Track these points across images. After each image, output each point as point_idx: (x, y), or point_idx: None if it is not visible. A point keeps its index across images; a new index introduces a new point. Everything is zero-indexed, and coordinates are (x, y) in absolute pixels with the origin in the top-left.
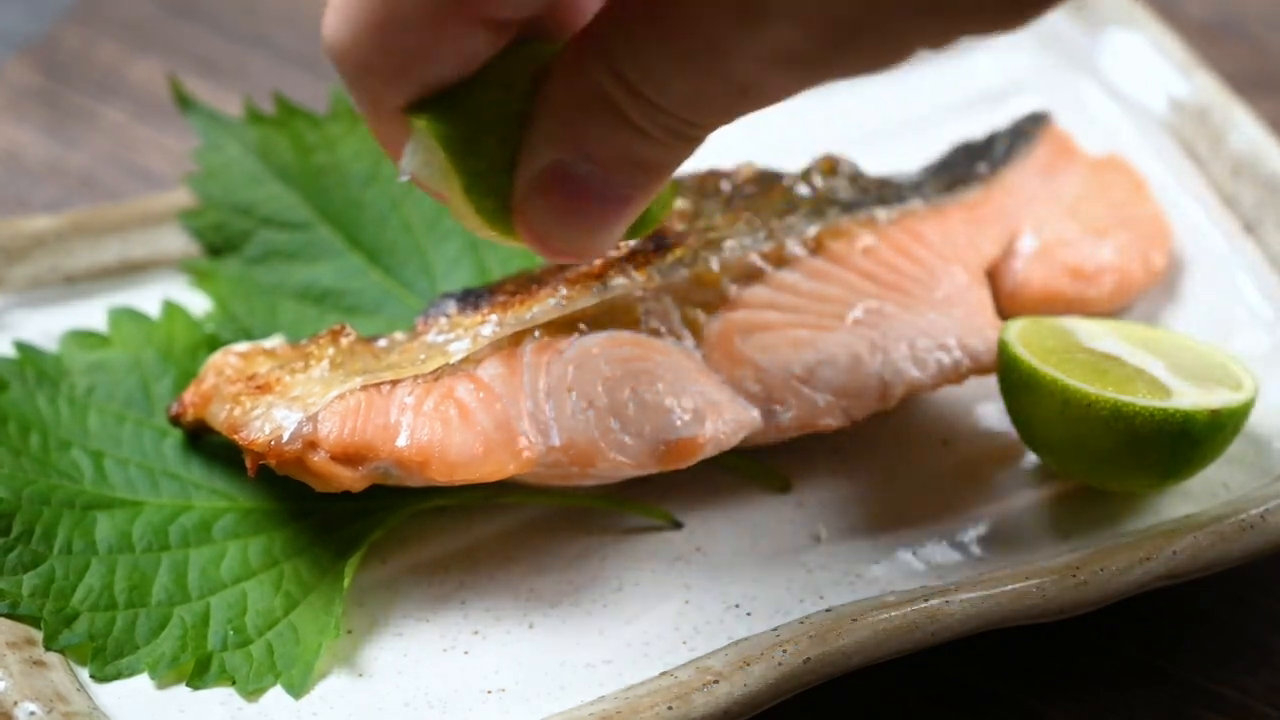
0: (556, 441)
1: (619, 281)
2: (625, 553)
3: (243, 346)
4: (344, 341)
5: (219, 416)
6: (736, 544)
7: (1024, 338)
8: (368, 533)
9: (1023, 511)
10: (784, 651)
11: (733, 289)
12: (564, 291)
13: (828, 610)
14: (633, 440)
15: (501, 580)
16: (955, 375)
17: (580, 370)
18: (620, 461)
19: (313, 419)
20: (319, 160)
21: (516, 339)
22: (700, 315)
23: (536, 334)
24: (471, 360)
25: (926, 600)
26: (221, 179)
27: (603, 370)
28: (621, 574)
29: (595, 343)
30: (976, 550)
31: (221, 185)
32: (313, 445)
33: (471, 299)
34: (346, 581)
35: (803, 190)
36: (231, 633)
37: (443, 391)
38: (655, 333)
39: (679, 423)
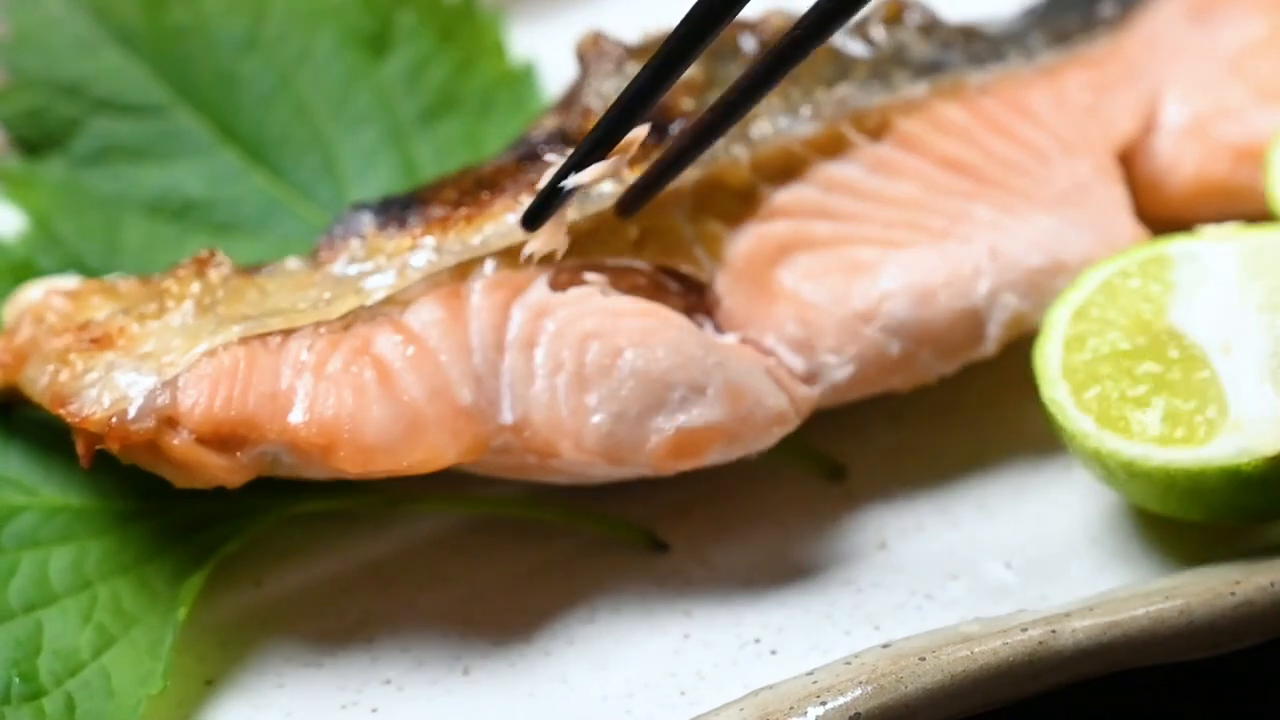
0: (509, 418)
1: (606, 188)
2: (599, 567)
3: (70, 282)
4: (214, 274)
5: (38, 382)
6: (754, 556)
7: (1071, 375)
8: (220, 543)
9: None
10: (823, 704)
11: (765, 190)
12: (527, 201)
13: (885, 645)
14: (614, 425)
15: (424, 609)
16: None
17: (548, 320)
18: (594, 454)
19: (171, 385)
20: (176, 19)
21: (461, 272)
22: (720, 229)
23: (489, 266)
24: (397, 301)
25: (1025, 631)
26: (39, 46)
27: (580, 322)
28: (594, 596)
29: (572, 282)
30: (1083, 569)
31: (39, 55)
32: (171, 423)
33: (396, 212)
34: (183, 611)
35: (857, 49)
36: (17, 680)
37: (355, 345)
38: (659, 267)
39: (684, 405)
